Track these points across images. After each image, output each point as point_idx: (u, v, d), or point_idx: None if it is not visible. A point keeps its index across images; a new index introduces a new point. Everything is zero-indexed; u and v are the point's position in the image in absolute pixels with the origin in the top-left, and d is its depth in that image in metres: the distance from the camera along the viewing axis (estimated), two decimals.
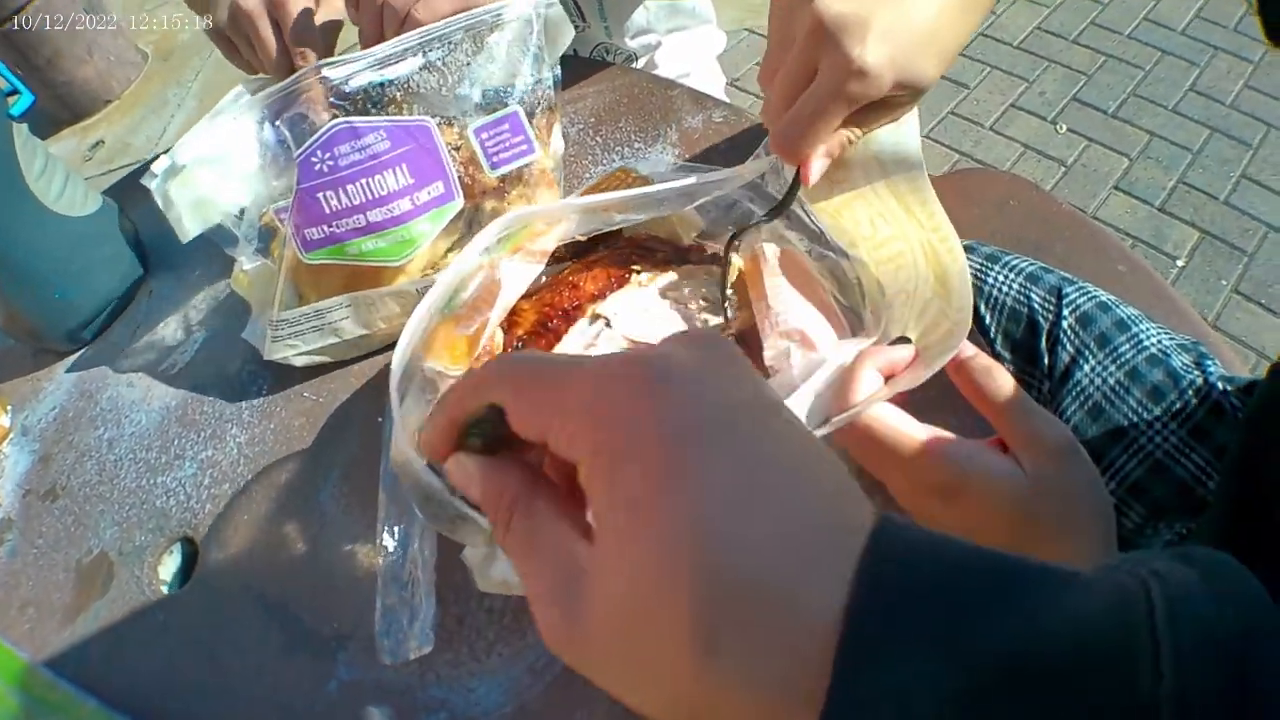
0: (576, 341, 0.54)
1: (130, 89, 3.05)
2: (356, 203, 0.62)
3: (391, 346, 0.70)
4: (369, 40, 0.66)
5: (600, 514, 0.26)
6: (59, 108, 2.87)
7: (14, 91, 0.76)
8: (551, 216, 0.53)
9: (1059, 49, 2.33)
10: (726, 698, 0.23)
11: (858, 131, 0.51)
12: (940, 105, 2.20)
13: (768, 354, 0.51)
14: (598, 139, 0.85)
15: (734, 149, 0.78)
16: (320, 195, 0.62)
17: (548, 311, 0.54)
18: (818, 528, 0.23)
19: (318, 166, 0.61)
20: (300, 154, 0.61)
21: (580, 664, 0.26)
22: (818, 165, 0.51)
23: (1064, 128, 2.13)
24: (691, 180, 0.53)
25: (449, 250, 0.67)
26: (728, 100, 0.87)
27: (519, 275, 0.53)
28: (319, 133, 0.61)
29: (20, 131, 0.75)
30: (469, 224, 0.67)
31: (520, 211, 0.52)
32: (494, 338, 0.53)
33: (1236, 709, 0.19)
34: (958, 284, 0.50)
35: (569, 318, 0.54)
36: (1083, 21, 2.39)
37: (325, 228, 0.62)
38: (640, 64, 1.14)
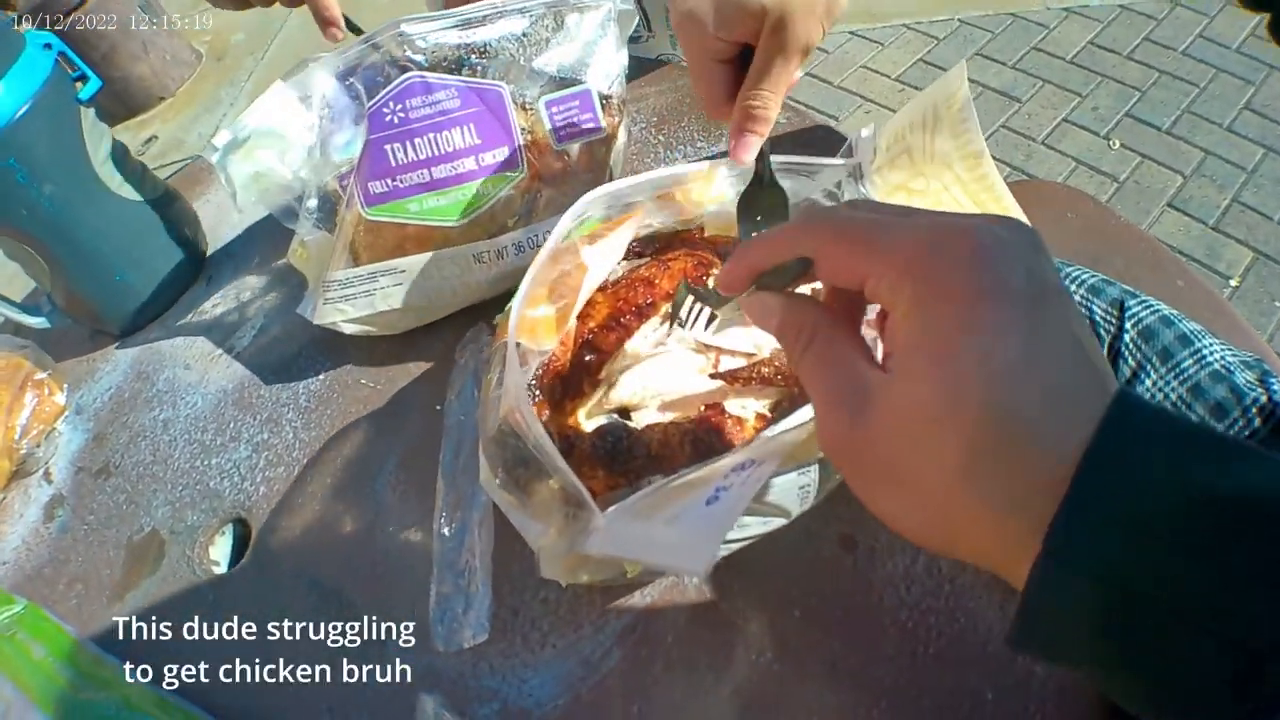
0: (647, 339, 0.53)
1: (184, 87, 3.12)
2: (423, 157, 0.63)
3: (437, 329, 0.71)
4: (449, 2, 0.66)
5: (907, 348, 0.29)
6: (114, 103, 2.93)
7: (82, 76, 0.77)
8: (630, 193, 0.53)
9: (1112, 64, 2.30)
10: (971, 517, 0.27)
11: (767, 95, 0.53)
12: (992, 119, 2.18)
13: None
14: (660, 137, 0.84)
15: (797, 148, 0.77)
16: (388, 147, 0.62)
17: (621, 306, 0.54)
18: (1081, 389, 0.27)
19: (388, 118, 0.62)
20: (373, 105, 0.62)
21: (850, 466, 0.31)
22: (745, 146, 0.52)
23: (1117, 143, 2.10)
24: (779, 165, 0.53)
25: (504, 227, 0.67)
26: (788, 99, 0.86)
27: (603, 257, 0.52)
28: (392, 84, 0.61)
29: (87, 116, 0.76)
30: (526, 208, 0.67)
31: (602, 191, 0.51)
32: (571, 325, 0.53)
33: None
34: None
35: (642, 314, 0.53)
36: (1136, 37, 2.35)
37: (389, 180, 0.63)
38: None
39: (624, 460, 0.46)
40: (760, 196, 0.51)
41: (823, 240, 0.33)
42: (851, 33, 2.60)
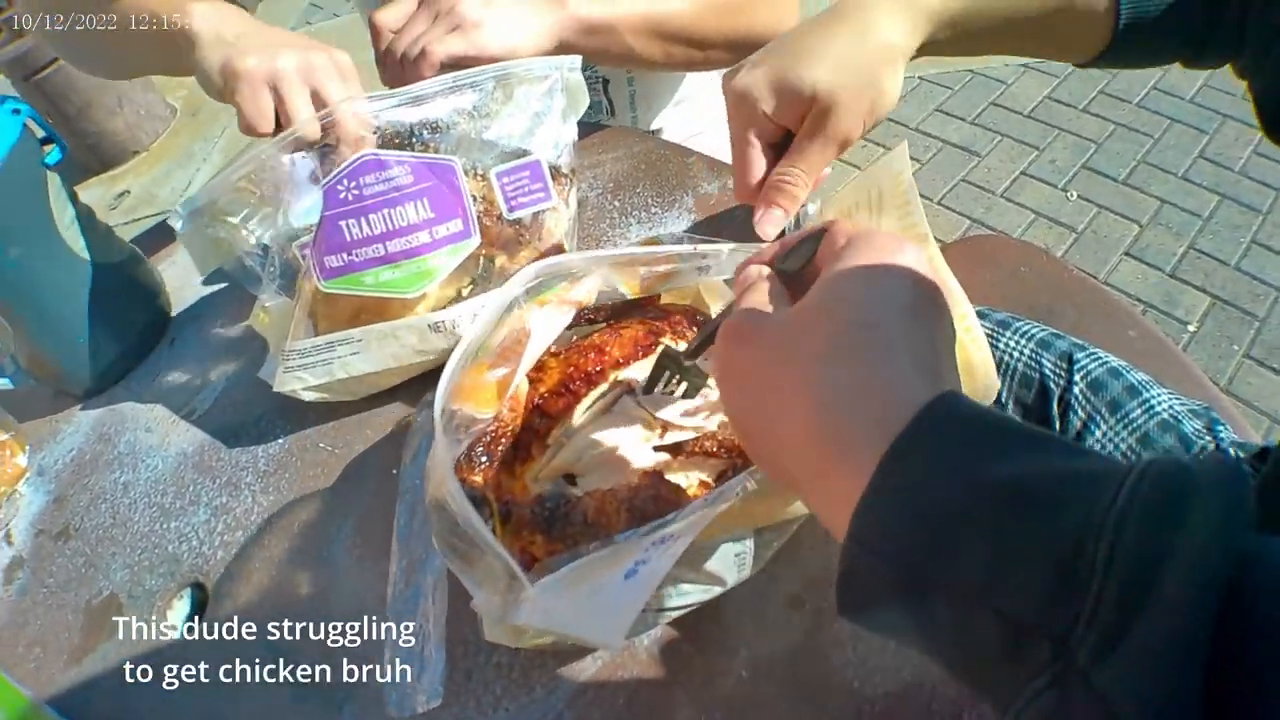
0: (595, 406, 0.55)
1: (158, 141, 3.13)
2: (377, 232, 0.64)
3: (396, 393, 0.73)
4: (394, 81, 0.68)
5: (819, 284, 0.37)
6: (88, 157, 2.94)
7: (49, 140, 0.78)
8: (581, 268, 0.54)
9: (1069, 118, 2.37)
10: (824, 454, 0.32)
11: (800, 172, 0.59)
12: (952, 172, 2.24)
13: None
14: (615, 203, 0.86)
15: (749, 216, 0.79)
16: (343, 223, 0.64)
17: (571, 373, 0.55)
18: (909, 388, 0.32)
19: (343, 195, 0.63)
20: (327, 182, 0.63)
21: (732, 385, 0.39)
22: (770, 219, 0.59)
23: (1074, 195, 2.16)
24: (730, 245, 0.55)
25: (458, 295, 0.69)
26: None
27: (548, 323, 0.54)
28: (346, 162, 0.63)
29: (53, 180, 0.77)
30: (483, 274, 0.69)
31: (551, 261, 0.53)
32: (520, 388, 0.54)
33: (1164, 537, 0.24)
34: (981, 374, 0.51)
35: (591, 381, 0.55)
36: (1092, 90, 2.43)
37: (345, 255, 0.64)
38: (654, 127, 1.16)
39: (561, 526, 0.47)
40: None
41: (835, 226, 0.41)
42: None
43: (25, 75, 2.71)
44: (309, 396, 0.70)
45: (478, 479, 0.50)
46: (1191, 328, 1.85)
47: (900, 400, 0.31)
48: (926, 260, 0.37)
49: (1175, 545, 0.23)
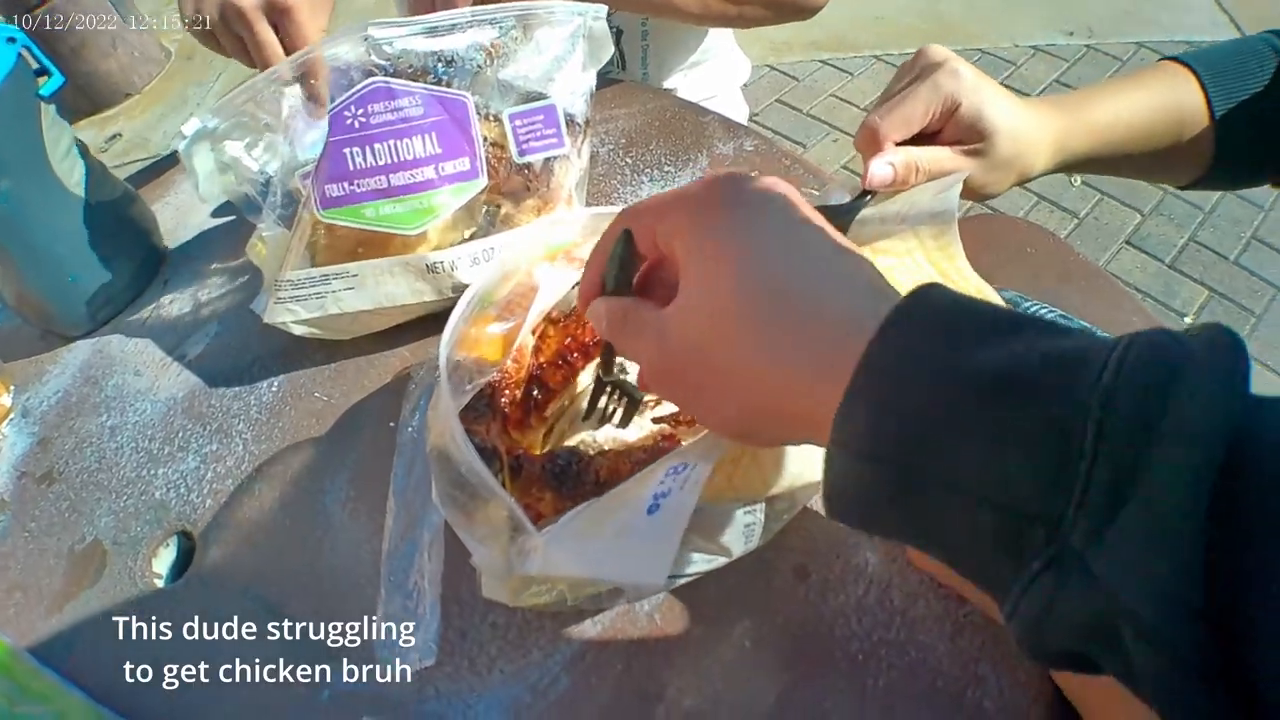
0: (590, 377, 0.53)
1: (151, 85, 3.08)
2: (381, 163, 0.62)
3: (395, 341, 0.71)
4: (417, 9, 0.66)
5: (687, 274, 0.35)
6: (79, 98, 2.89)
7: (44, 72, 0.75)
8: (590, 224, 0.53)
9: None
10: (783, 387, 0.31)
11: (925, 161, 0.55)
12: None
13: None
14: (627, 160, 0.84)
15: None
16: (347, 150, 0.62)
17: (569, 345, 0.54)
18: (849, 275, 0.33)
19: (349, 121, 0.62)
20: (334, 107, 0.61)
21: (673, 391, 0.38)
22: (880, 166, 0.54)
23: (1078, 180, 2.15)
24: None
25: (460, 239, 0.67)
26: (759, 124, 0.87)
27: (555, 279, 0.52)
28: (355, 88, 0.61)
29: (48, 112, 0.75)
30: (486, 220, 0.67)
31: (561, 215, 0.51)
32: (525, 343, 0.52)
33: (1153, 411, 0.23)
34: None
35: (588, 354, 0.54)
36: (1102, 76, 2.41)
37: (346, 184, 0.62)
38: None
39: (572, 484, 0.46)
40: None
41: (635, 214, 0.40)
42: (822, 61, 2.64)
43: (17, 12, 2.65)
44: (299, 330, 0.68)
45: (480, 429, 0.48)
46: (1188, 320, 1.85)
47: (850, 331, 0.30)
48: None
49: (1166, 418, 0.23)
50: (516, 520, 0.38)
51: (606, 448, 0.49)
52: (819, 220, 0.35)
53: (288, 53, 0.65)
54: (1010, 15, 2.69)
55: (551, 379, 0.54)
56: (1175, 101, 0.62)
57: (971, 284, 0.53)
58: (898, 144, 0.54)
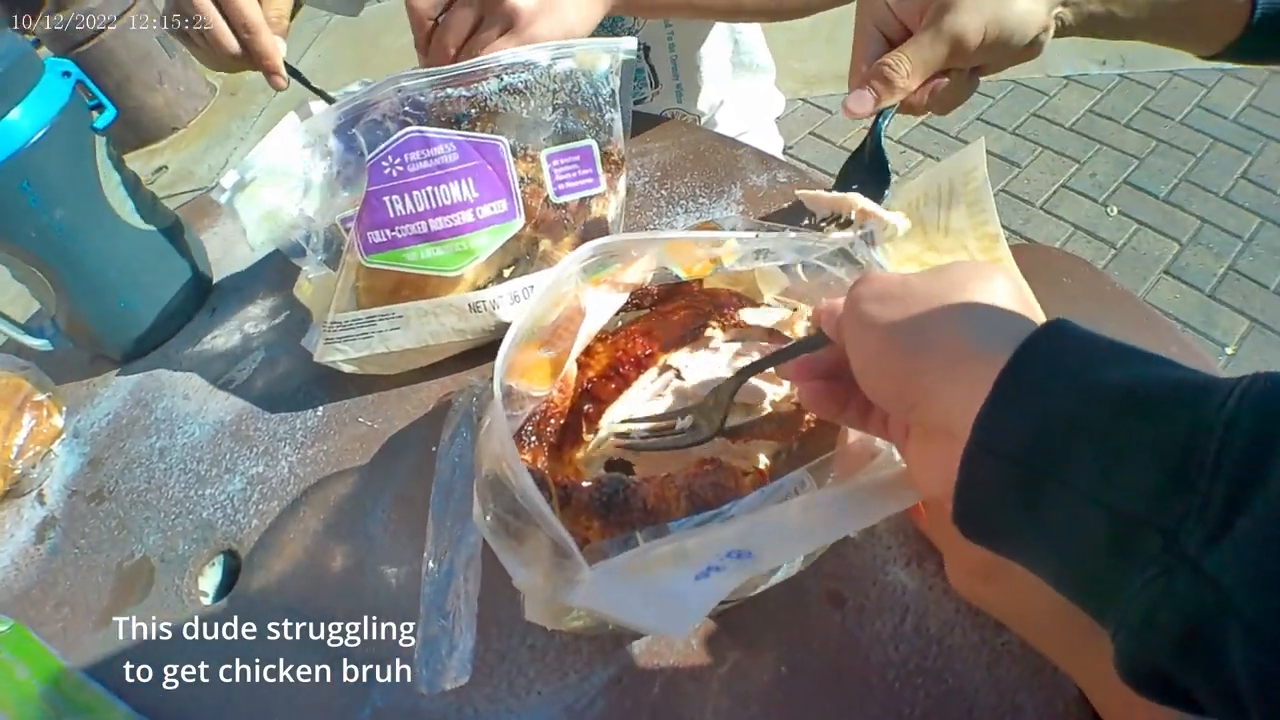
0: (645, 390, 0.54)
1: (196, 119, 3.16)
2: (421, 209, 0.64)
3: (436, 370, 0.72)
4: (436, 60, 0.68)
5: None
6: (126, 132, 2.97)
7: (99, 105, 0.79)
8: (637, 247, 0.53)
9: (1111, 132, 2.34)
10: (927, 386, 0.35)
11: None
12: (992, 183, 2.18)
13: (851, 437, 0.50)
14: (663, 192, 0.86)
15: (797, 210, 0.78)
16: (386, 199, 0.63)
17: (620, 357, 0.55)
18: (1009, 318, 0.35)
19: (387, 171, 0.63)
20: (372, 158, 0.63)
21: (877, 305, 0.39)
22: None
23: (1115, 210, 2.13)
24: (792, 234, 0.54)
25: (499, 275, 0.69)
26: (792, 156, 0.88)
27: (603, 304, 0.53)
28: (392, 138, 0.62)
29: (101, 144, 0.78)
30: (526, 257, 0.68)
31: (606, 240, 0.52)
32: (570, 371, 0.53)
33: (1271, 435, 0.25)
34: None
35: (640, 365, 0.55)
36: (1135, 106, 2.40)
37: (388, 231, 0.64)
38: (702, 122, 1.15)
39: (620, 512, 0.46)
40: (860, 167, 0.53)
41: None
42: None
43: (66, 49, 2.74)
44: (347, 368, 0.70)
45: (527, 458, 0.49)
46: (1229, 350, 1.82)
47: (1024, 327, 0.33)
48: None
49: None
50: (566, 549, 0.39)
51: (647, 473, 0.49)
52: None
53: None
54: None
55: (603, 392, 0.54)
56: None
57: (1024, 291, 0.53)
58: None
